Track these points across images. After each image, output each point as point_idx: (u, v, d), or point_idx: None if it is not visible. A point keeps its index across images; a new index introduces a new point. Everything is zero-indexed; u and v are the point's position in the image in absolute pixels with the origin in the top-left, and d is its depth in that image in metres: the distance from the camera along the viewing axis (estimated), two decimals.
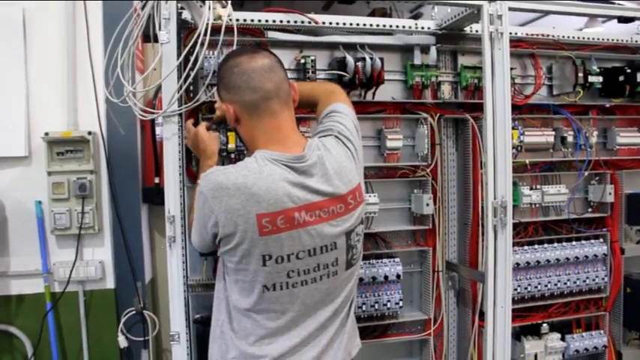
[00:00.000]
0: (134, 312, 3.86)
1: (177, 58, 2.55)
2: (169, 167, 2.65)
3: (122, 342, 3.81)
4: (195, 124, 3.00)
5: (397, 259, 3.28)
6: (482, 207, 3.03)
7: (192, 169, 3.09)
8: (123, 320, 3.82)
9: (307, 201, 2.00)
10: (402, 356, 3.56)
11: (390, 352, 3.52)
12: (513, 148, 3.38)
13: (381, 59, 3.17)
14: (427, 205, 3.27)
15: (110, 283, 3.83)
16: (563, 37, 3.63)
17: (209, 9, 2.51)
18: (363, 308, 3.22)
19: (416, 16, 10.11)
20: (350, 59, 3.11)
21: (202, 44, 2.45)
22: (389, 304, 3.25)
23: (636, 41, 3.80)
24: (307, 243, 2.04)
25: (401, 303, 3.27)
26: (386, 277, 3.23)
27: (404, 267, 3.41)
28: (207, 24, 2.47)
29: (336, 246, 2.12)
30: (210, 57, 3.03)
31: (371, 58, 3.13)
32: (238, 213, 1.96)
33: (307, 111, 2.96)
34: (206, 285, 3.14)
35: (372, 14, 8.93)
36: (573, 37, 3.66)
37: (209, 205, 2.01)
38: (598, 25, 8.60)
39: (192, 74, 2.50)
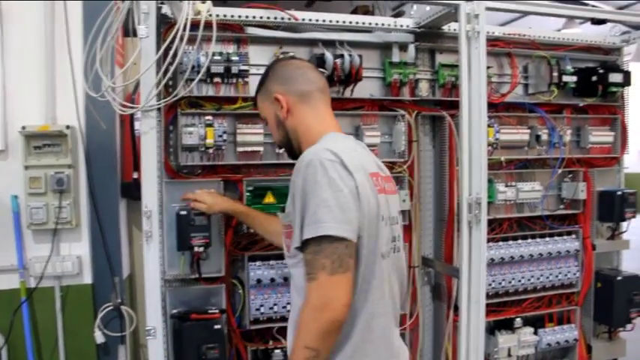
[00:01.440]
0: (111, 307, 3.83)
1: (157, 53, 2.55)
2: (147, 162, 2.66)
3: (99, 337, 3.79)
4: (175, 120, 3.02)
5: None
6: (458, 203, 3.08)
7: (171, 163, 3.08)
8: (100, 316, 3.80)
9: (382, 171, 2.13)
10: None
11: None
12: (489, 145, 3.44)
13: (360, 56, 3.20)
14: (403, 201, 3.31)
15: (87, 279, 3.81)
16: (539, 37, 3.70)
17: (188, 3, 2.51)
18: None
19: (398, 14, 10.20)
20: (329, 56, 3.13)
21: (182, 39, 2.46)
22: None
23: (610, 42, 3.89)
24: (390, 209, 2.05)
25: None
26: None
27: None
28: (186, 19, 2.48)
29: (397, 220, 2.17)
30: (190, 52, 3.02)
31: (350, 55, 3.15)
32: (363, 172, 1.94)
33: None
34: (183, 280, 3.14)
35: (355, 12, 9.00)
36: (549, 38, 3.73)
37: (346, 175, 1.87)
38: (575, 27, 8.77)
39: (172, 69, 2.51)
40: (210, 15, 2.60)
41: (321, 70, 3.13)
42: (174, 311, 3.13)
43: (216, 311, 3.07)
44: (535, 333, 3.72)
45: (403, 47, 3.38)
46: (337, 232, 1.77)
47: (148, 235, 2.65)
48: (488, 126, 3.42)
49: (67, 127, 3.63)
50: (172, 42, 2.50)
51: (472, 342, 3.05)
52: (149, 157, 2.65)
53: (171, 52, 2.48)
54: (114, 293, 3.84)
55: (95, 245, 3.81)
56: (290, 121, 2.22)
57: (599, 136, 3.82)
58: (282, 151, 3.16)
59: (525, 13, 3.23)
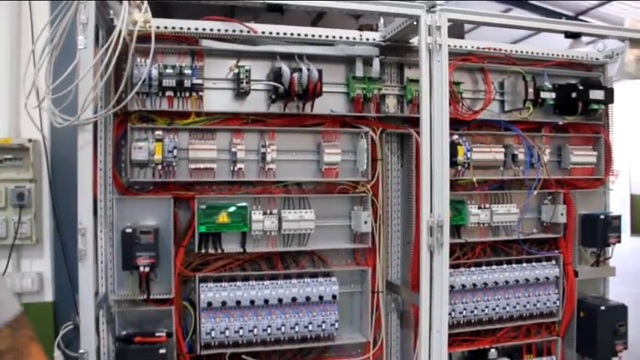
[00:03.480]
0: (72, 326, 3.70)
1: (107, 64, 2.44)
2: (82, 178, 2.54)
3: (58, 358, 3.66)
4: (124, 135, 2.92)
5: (333, 279, 3.15)
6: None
7: (122, 179, 2.97)
8: (60, 334, 3.67)
9: None
10: None
11: None
12: (459, 164, 3.28)
13: (320, 70, 3.07)
14: (365, 222, 3.15)
15: (49, 296, 3.70)
16: (516, 51, 3.54)
17: (124, 13, 2.41)
18: (296, 329, 3.08)
19: None
20: (285, 69, 3.01)
21: (115, 50, 2.36)
22: (324, 325, 3.12)
23: (592, 58, 3.71)
24: None
25: (337, 324, 3.14)
26: (321, 297, 3.10)
27: (344, 287, 3.29)
28: (120, 29, 2.38)
29: None
30: (142, 65, 2.93)
31: (308, 69, 3.03)
32: None
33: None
34: (133, 300, 3.01)
35: (360, 29, 8.90)
36: (526, 52, 3.57)
37: None
38: (582, 46, 8.54)
39: (103, 80, 2.41)
40: (150, 26, 2.48)
41: (277, 84, 3.02)
42: (124, 333, 3.01)
43: (163, 334, 2.93)
44: None
45: (368, 61, 3.26)
46: None
47: (82, 254, 2.52)
48: (458, 144, 3.27)
49: (30, 140, 3.55)
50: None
51: None
52: (84, 173, 2.54)
53: (104, 63, 2.37)
54: (75, 312, 3.71)
55: (58, 262, 3.69)
56: None
57: (581, 156, 3.62)
58: (237, 168, 3.05)
59: (487, 25, 3.06)
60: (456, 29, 8.80)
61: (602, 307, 3.49)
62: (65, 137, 3.40)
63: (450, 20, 2.85)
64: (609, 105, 3.66)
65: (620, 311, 3.54)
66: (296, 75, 3.02)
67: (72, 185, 3.75)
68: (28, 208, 3.56)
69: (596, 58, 3.71)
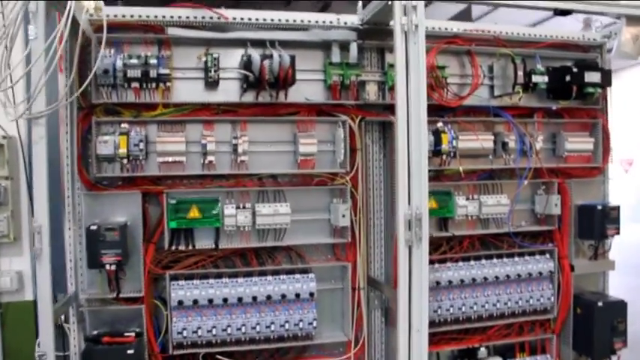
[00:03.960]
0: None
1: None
2: (37, 174, 2.44)
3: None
4: (89, 129, 2.82)
5: (311, 275, 3.02)
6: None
7: (89, 175, 2.87)
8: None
9: None
10: None
11: None
12: (443, 153, 3.11)
13: (292, 56, 2.93)
14: (343, 216, 3.00)
15: (29, 295, 3.63)
16: (505, 33, 3.34)
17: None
18: (272, 328, 2.95)
19: None
20: (255, 56, 2.87)
21: (61, 38, 2.24)
22: (301, 324, 2.99)
23: (589, 39, 3.49)
24: None
25: (315, 323, 3.01)
26: (297, 295, 2.97)
27: (324, 283, 3.16)
28: (68, 17, 2.26)
29: None
30: (107, 56, 2.82)
31: (280, 56, 2.88)
32: None
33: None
34: (103, 299, 2.91)
35: None
36: (517, 34, 3.37)
37: None
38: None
39: (49, 73, 2.29)
40: (100, 15, 2.37)
41: (247, 73, 2.88)
42: (94, 332, 2.92)
43: (132, 335, 2.84)
44: None
45: (346, 46, 3.09)
46: None
47: (38, 253, 2.42)
48: (442, 132, 3.10)
49: (4, 137, 3.48)
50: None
51: None
52: (39, 168, 2.43)
53: (50, 54, 2.26)
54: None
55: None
56: None
57: (577, 143, 3.41)
58: (208, 160, 2.92)
59: (467, 2, 2.87)
60: (464, 14, 8.55)
61: (600, 304, 3.30)
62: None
63: None
64: (607, 88, 3.43)
65: (619, 307, 3.34)
66: (267, 62, 2.88)
67: (51, 182, 3.69)
68: (4, 206, 3.50)
69: (594, 39, 3.49)
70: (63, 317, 3.63)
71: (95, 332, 2.92)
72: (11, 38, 2.47)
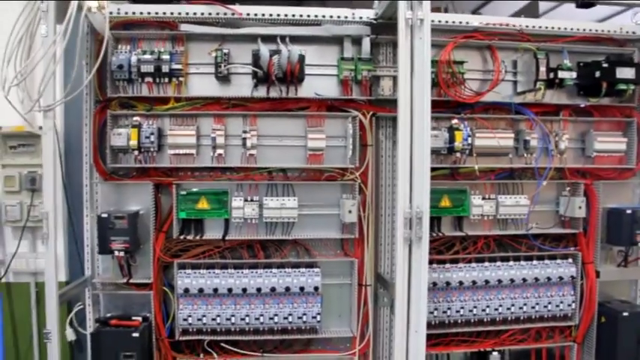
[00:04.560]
0: (82, 306, 3.84)
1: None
2: (46, 163, 2.59)
3: (70, 335, 3.78)
4: (104, 122, 2.94)
5: (316, 270, 3.02)
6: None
7: (102, 166, 3.00)
8: (73, 313, 3.81)
9: None
10: None
11: None
12: (457, 151, 3.02)
13: (302, 52, 2.93)
14: (350, 212, 2.98)
15: (62, 276, 3.83)
16: (533, 27, 3.18)
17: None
18: (275, 319, 2.99)
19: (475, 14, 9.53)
20: (264, 52, 2.90)
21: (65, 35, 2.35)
22: (305, 317, 3.00)
23: (630, 32, 3.27)
24: None
25: (319, 317, 3.01)
26: (302, 289, 2.98)
27: (333, 278, 3.16)
28: (69, 16, 2.38)
29: None
30: (120, 52, 2.94)
31: (289, 51, 2.89)
32: None
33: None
34: (116, 284, 3.05)
35: None
36: (545, 27, 3.20)
37: None
38: None
39: (55, 68, 2.42)
40: (103, 12, 2.47)
41: (256, 69, 2.91)
42: (108, 315, 3.08)
43: (139, 319, 2.96)
44: None
45: (357, 41, 3.06)
46: None
47: (45, 237, 2.58)
48: (457, 129, 3.01)
49: (41, 127, 3.67)
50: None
51: None
52: (47, 158, 2.59)
53: (55, 51, 2.38)
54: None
55: (71, 244, 3.82)
56: None
57: (607, 143, 3.21)
58: (217, 153, 2.99)
59: None
60: (530, 10, 8.19)
61: (625, 313, 3.10)
62: (76, 125, 3.48)
63: None
64: None
65: None
66: (275, 58, 2.89)
67: (74, 171, 3.85)
68: (39, 192, 3.71)
69: (633, 32, 3.26)
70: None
71: (109, 315, 3.08)
72: (31, 35, 2.64)
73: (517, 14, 7.13)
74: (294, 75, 2.90)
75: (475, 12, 9.83)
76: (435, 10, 6.59)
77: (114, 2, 2.95)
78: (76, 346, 3.91)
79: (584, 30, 3.21)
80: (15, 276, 3.77)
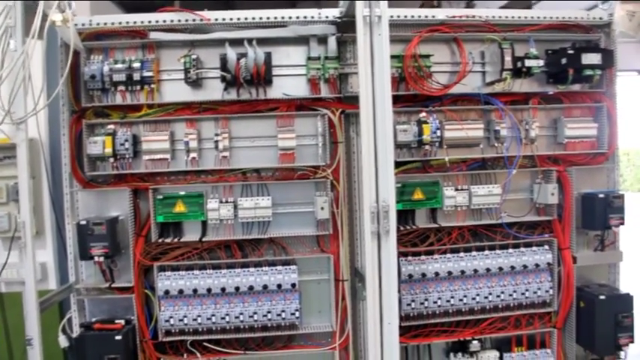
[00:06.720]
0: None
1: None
2: (22, 174, 2.67)
3: (62, 342, 3.85)
4: (81, 131, 3.01)
5: (293, 267, 3.08)
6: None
7: (80, 174, 3.08)
8: (65, 320, 3.90)
9: None
10: None
11: None
12: (425, 144, 3.06)
13: (268, 53, 3.00)
14: (322, 208, 3.03)
15: (52, 284, 3.93)
16: (499, 17, 3.22)
17: (38, 15, 2.48)
18: (255, 317, 3.05)
19: (468, 7, 9.53)
20: (231, 56, 2.96)
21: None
22: (283, 314, 3.06)
23: (597, 18, 3.28)
24: None
25: (297, 313, 3.06)
26: (279, 286, 3.04)
27: (311, 275, 3.22)
28: (35, 29, 2.46)
29: None
30: (92, 62, 3.02)
31: (255, 53, 2.95)
32: None
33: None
34: (100, 289, 3.13)
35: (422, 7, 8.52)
36: (512, 17, 3.23)
37: None
38: None
39: (22, 80, 2.49)
40: (68, 25, 2.54)
41: (223, 72, 2.97)
42: (94, 320, 3.15)
43: (122, 322, 3.04)
44: (501, 358, 3.24)
45: (324, 40, 3.11)
46: None
47: (22, 246, 2.66)
48: (424, 122, 3.05)
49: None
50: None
51: None
52: (22, 170, 2.66)
53: (15, 63, 2.46)
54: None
55: (60, 253, 3.91)
56: None
57: (577, 129, 3.23)
58: (191, 157, 3.05)
59: None
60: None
61: (602, 297, 3.12)
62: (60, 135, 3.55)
63: None
64: (612, 70, 3.22)
65: (624, 301, 3.14)
66: (242, 60, 2.96)
67: (57, 181, 3.89)
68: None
69: (600, 18, 3.27)
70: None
71: (93, 319, 3.16)
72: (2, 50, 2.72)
73: (509, 5, 7.11)
74: (260, 76, 2.96)
75: (468, 5, 9.84)
76: (428, 5, 6.50)
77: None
78: (70, 353, 3.99)
79: (550, 18, 3.23)
80: (7, 286, 3.87)
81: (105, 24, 3.05)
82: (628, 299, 3.16)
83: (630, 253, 3.52)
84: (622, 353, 3.19)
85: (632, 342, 3.15)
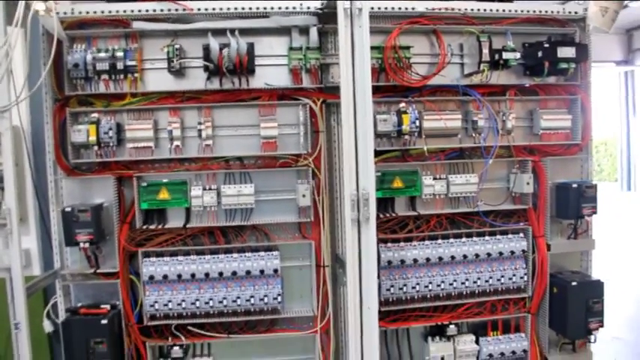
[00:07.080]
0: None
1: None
2: (6, 163, 2.70)
3: (47, 327, 3.92)
4: (64, 120, 3.04)
5: (275, 253, 3.15)
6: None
7: (64, 162, 3.11)
8: (49, 306, 3.94)
9: None
10: (297, 352, 3.40)
11: (283, 347, 3.39)
12: (405, 134, 3.14)
13: (251, 44, 3.04)
14: (303, 196, 3.11)
15: (36, 270, 3.96)
16: (477, 10, 3.28)
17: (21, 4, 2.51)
18: (238, 302, 3.12)
19: None
20: (214, 45, 3.00)
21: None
22: (266, 298, 3.13)
23: (572, 12, 3.37)
24: None
25: (279, 298, 3.14)
26: (262, 271, 3.11)
27: (292, 261, 3.30)
28: (19, 18, 2.49)
29: None
30: (75, 51, 3.04)
31: (237, 43, 3.00)
32: None
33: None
34: (85, 275, 3.17)
35: None
36: (489, 10, 3.30)
37: None
38: None
39: (3, 70, 2.52)
40: (50, 14, 2.57)
41: (206, 62, 3.02)
42: (79, 305, 3.20)
43: (107, 307, 3.10)
44: (477, 342, 3.35)
45: (306, 31, 3.16)
46: None
47: (8, 233, 2.70)
48: (404, 112, 3.12)
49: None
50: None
51: (366, 352, 2.78)
52: (7, 158, 2.68)
53: (8, 52, 2.49)
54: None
55: (44, 239, 3.94)
56: None
57: (552, 121, 3.33)
58: (174, 145, 3.10)
59: None
60: None
61: (573, 283, 3.23)
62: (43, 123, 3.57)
63: None
64: (587, 63, 3.32)
65: (595, 288, 3.26)
66: (225, 50, 3.00)
67: (41, 168, 3.90)
68: None
69: (575, 12, 3.36)
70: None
71: (79, 304, 3.22)
72: None
73: None
74: (243, 66, 3.00)
75: None
76: None
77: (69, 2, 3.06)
78: (55, 337, 4.03)
79: (527, 11, 3.31)
80: None
81: (87, 13, 3.06)
82: (598, 285, 3.28)
83: (603, 240, 3.62)
84: (592, 337, 3.32)
85: (602, 326, 3.27)
